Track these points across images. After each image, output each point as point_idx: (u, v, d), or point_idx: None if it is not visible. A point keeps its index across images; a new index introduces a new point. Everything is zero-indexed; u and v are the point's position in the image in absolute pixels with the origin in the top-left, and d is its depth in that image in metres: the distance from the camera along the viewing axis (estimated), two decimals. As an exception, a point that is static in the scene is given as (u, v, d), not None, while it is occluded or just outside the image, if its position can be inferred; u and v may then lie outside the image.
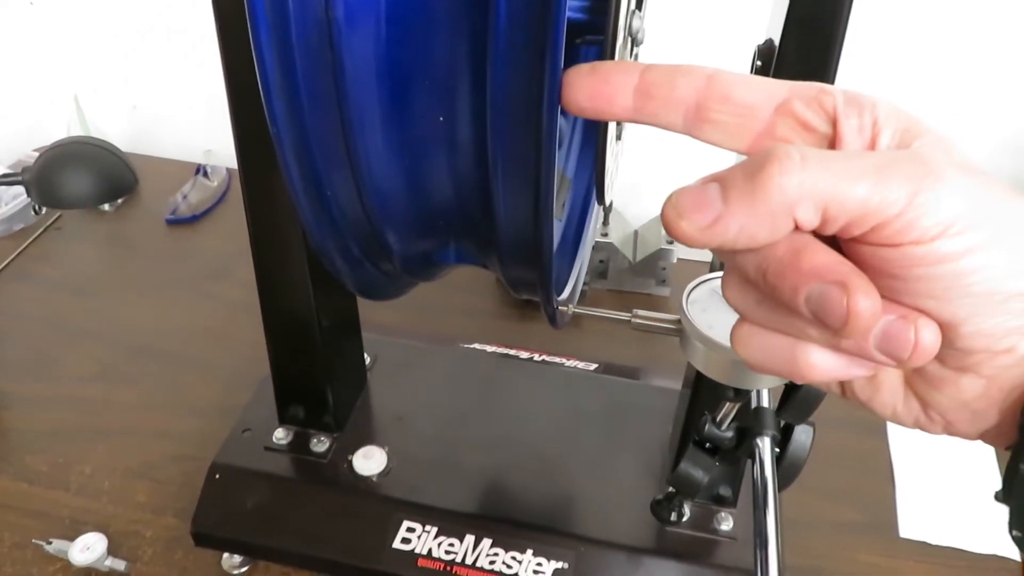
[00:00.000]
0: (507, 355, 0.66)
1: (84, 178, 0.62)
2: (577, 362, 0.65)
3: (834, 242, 0.21)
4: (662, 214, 0.22)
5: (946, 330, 0.21)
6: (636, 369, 0.65)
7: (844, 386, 0.25)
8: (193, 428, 0.66)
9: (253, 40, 0.26)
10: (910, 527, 0.60)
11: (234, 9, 0.40)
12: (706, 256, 0.63)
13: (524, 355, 0.66)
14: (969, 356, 0.22)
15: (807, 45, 0.37)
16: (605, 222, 0.77)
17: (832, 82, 0.38)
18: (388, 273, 0.36)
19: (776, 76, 0.39)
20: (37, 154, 0.89)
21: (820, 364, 0.22)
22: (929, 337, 0.21)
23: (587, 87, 0.24)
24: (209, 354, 0.73)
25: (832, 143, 0.22)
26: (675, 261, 0.77)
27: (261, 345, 0.56)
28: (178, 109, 0.98)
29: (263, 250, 0.53)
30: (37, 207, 0.81)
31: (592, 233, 0.52)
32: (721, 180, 0.21)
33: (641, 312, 0.37)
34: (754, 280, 0.22)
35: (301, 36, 0.25)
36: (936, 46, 0.76)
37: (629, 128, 0.44)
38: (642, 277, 0.78)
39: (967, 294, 0.20)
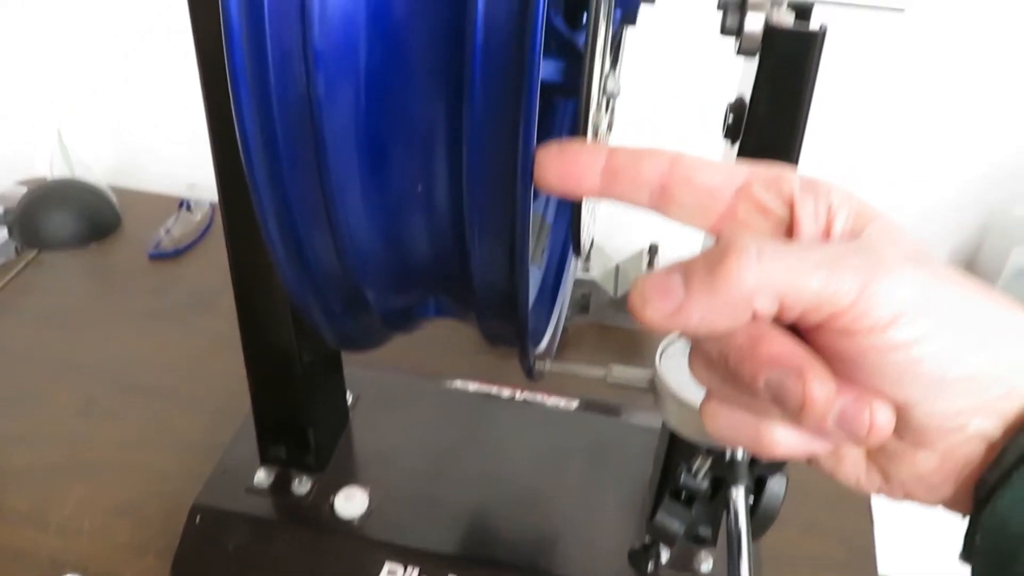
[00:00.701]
0: (489, 394, 0.66)
1: (67, 219, 0.62)
2: (559, 399, 0.66)
3: (794, 326, 0.22)
4: (628, 300, 0.23)
5: (900, 410, 0.22)
6: (617, 406, 0.66)
7: (809, 458, 0.25)
8: (176, 464, 0.66)
9: (236, 113, 0.26)
10: (889, 563, 0.60)
11: (218, 61, 0.41)
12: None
13: (506, 393, 0.66)
14: (923, 434, 0.23)
15: (777, 103, 0.38)
16: (586, 258, 0.78)
17: (801, 139, 0.39)
18: (367, 326, 0.37)
19: (747, 132, 0.40)
20: (20, 187, 0.89)
21: (783, 441, 0.23)
22: (884, 418, 0.22)
23: (556, 166, 0.25)
24: (193, 388, 0.73)
25: (789, 227, 0.23)
26: (656, 296, 0.78)
27: (245, 379, 0.57)
28: (162, 142, 0.98)
29: (244, 285, 0.53)
30: (20, 246, 0.81)
31: (572, 276, 0.52)
32: (684, 269, 0.22)
33: (616, 369, 0.37)
34: (717, 363, 0.23)
35: (283, 111, 0.26)
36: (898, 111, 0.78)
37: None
38: (624, 312, 0.79)
39: (918, 379, 0.21)
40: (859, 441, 0.22)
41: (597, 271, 0.78)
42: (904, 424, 0.22)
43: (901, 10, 0.36)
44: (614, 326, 0.80)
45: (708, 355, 0.23)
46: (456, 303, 0.35)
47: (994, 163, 0.81)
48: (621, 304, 0.78)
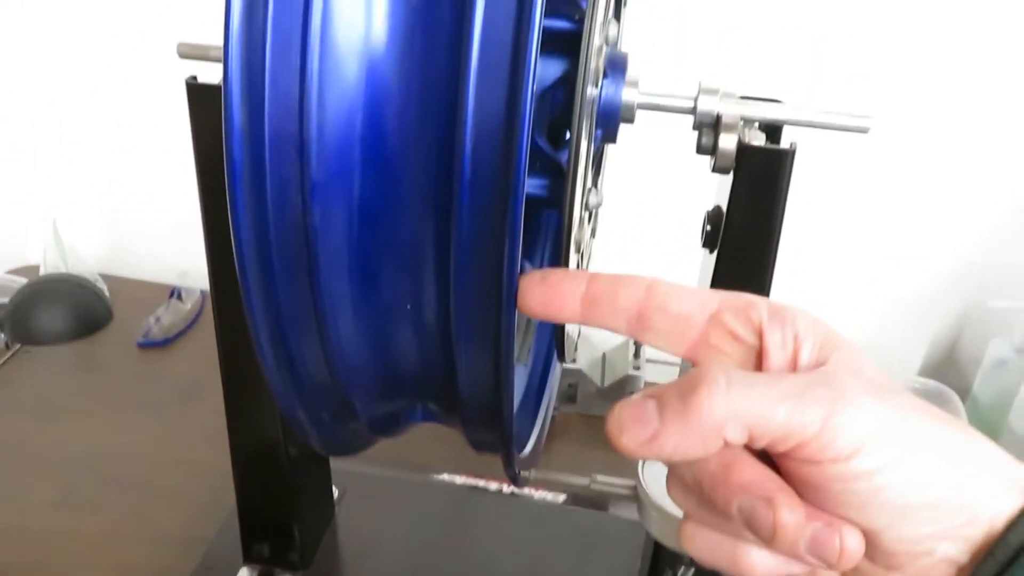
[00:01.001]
0: (476, 487, 0.66)
1: (58, 316, 0.63)
2: (546, 493, 0.66)
3: (765, 451, 0.23)
4: (605, 427, 0.24)
5: (869, 536, 0.23)
6: (604, 500, 0.65)
7: None
8: (156, 561, 0.64)
9: (234, 238, 0.28)
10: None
11: (216, 173, 0.43)
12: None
13: (493, 486, 0.66)
14: (893, 558, 0.23)
15: (752, 216, 0.40)
16: (573, 348, 0.78)
17: (776, 247, 0.41)
18: (354, 433, 0.37)
19: (724, 243, 0.42)
20: (12, 276, 0.90)
21: (760, 564, 0.24)
22: (853, 543, 0.22)
23: (538, 295, 0.26)
24: (176, 481, 0.72)
25: (759, 354, 0.25)
26: (643, 386, 0.78)
27: (229, 473, 0.56)
28: (154, 230, 0.99)
29: (233, 378, 0.53)
30: (9, 342, 0.81)
31: (558, 374, 0.53)
32: (658, 397, 0.23)
33: (600, 478, 0.38)
34: (692, 487, 0.24)
35: (279, 236, 0.27)
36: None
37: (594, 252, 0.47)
38: (610, 401, 0.79)
39: (883, 506, 0.22)
40: (831, 566, 0.23)
41: (584, 361, 0.79)
42: (874, 549, 0.23)
43: (866, 130, 0.39)
44: (601, 416, 0.80)
45: (683, 479, 0.24)
46: (443, 411, 0.36)
47: (967, 258, 0.83)
48: (608, 394, 0.79)
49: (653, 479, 0.35)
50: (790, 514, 0.22)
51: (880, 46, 0.75)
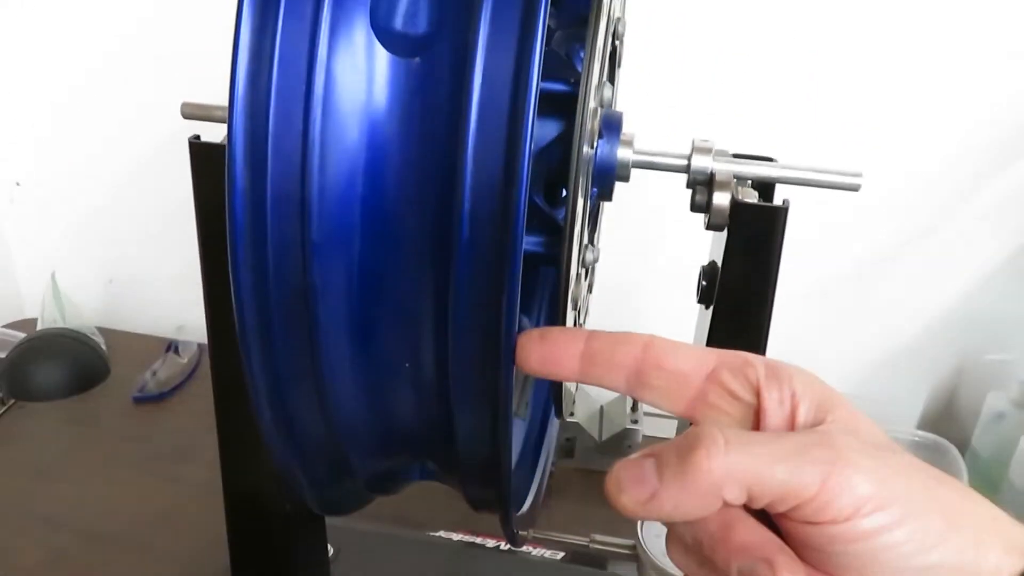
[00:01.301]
0: (473, 544, 0.65)
1: (55, 372, 0.62)
2: (544, 550, 0.65)
3: (764, 511, 0.23)
4: (605, 486, 0.23)
5: None
6: (603, 558, 0.64)
7: None
8: (146, 623, 0.63)
9: (235, 297, 0.28)
10: None
11: (217, 230, 0.43)
12: (670, 433, 0.65)
13: (491, 543, 0.65)
14: None
15: (747, 272, 0.40)
16: (571, 402, 0.78)
17: (772, 303, 0.41)
18: (351, 491, 0.37)
19: (720, 294, 0.42)
20: (9, 331, 0.90)
21: None
22: None
23: (537, 352, 0.26)
24: (169, 540, 0.71)
25: (756, 413, 0.25)
26: (641, 440, 0.78)
27: (223, 531, 0.56)
28: (153, 284, 1.00)
29: (229, 433, 0.53)
30: (5, 397, 0.81)
31: (556, 429, 0.53)
32: (657, 456, 0.23)
33: (598, 537, 0.38)
34: (692, 547, 0.23)
35: (279, 296, 0.28)
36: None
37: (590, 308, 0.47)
38: (609, 456, 0.79)
39: (883, 568, 0.22)
40: None
41: (581, 414, 0.79)
42: None
43: (857, 188, 0.39)
44: (600, 470, 0.80)
45: (683, 540, 0.24)
46: (441, 469, 0.36)
47: (962, 311, 0.84)
48: (606, 448, 0.79)
49: (652, 538, 0.35)
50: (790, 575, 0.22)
51: (872, 99, 0.76)
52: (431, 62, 0.27)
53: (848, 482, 0.22)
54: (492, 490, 0.34)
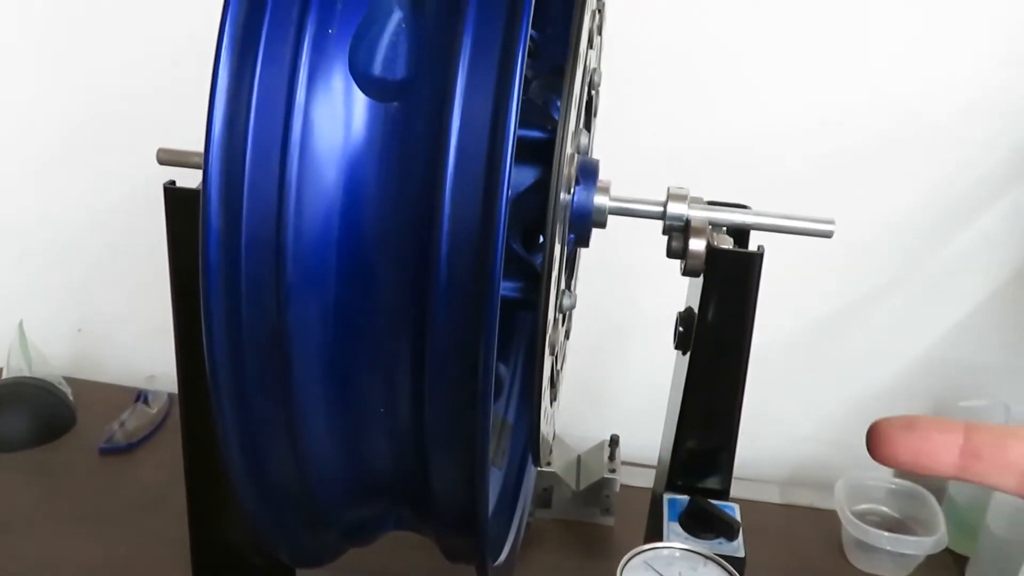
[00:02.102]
0: (449, 597, 0.63)
1: (20, 422, 0.61)
2: (521, 603, 0.63)
3: None
4: None
5: None
6: (582, 610, 0.63)
7: None
8: None
9: (206, 340, 0.27)
10: None
11: (190, 275, 0.43)
12: (648, 483, 0.64)
13: (466, 596, 0.64)
14: None
15: (723, 317, 0.41)
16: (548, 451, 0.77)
17: (748, 344, 0.41)
18: (324, 542, 0.36)
19: (697, 340, 0.42)
20: (-27, 380, 0.88)
21: None
22: None
23: (907, 444, 0.24)
24: (132, 597, 0.68)
25: None
26: (618, 490, 0.77)
27: (191, 588, 0.54)
28: (123, 333, 0.98)
29: (197, 483, 0.52)
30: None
31: (533, 477, 0.52)
32: None
33: (578, 587, 0.37)
34: None
35: (252, 339, 0.27)
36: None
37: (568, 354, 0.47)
38: (587, 506, 0.78)
39: None
40: None
41: (558, 464, 0.78)
42: None
43: (830, 235, 0.40)
44: (577, 520, 0.78)
45: None
46: (416, 518, 0.35)
47: (936, 358, 0.84)
48: (584, 498, 0.77)
49: (632, 587, 0.34)
50: None
51: (842, 149, 0.78)
52: (409, 107, 0.27)
53: None
54: (468, 539, 0.33)
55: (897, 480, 0.78)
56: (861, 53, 0.76)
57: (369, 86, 0.27)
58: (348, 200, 0.27)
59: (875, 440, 0.24)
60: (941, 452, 0.24)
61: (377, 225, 0.28)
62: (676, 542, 0.37)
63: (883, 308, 0.84)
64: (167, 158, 0.41)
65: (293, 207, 0.26)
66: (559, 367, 0.43)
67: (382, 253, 0.28)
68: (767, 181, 0.70)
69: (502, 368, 0.51)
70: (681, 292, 0.46)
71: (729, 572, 0.36)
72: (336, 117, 0.26)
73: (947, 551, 0.71)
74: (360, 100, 0.27)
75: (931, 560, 0.70)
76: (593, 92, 0.43)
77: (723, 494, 0.45)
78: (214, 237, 0.26)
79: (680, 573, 0.35)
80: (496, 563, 0.39)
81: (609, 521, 0.78)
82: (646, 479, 0.63)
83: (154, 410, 0.88)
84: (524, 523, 0.46)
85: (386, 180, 0.27)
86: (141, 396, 0.89)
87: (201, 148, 0.27)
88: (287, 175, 0.26)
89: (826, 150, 0.78)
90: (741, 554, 0.40)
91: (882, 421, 0.25)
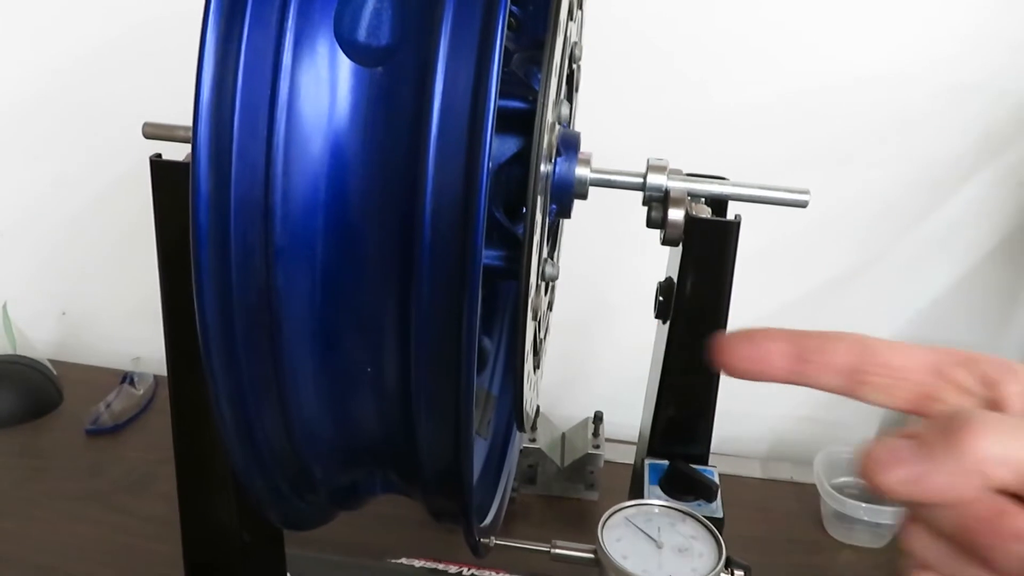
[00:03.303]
0: (435, 570, 0.64)
1: (6, 398, 0.61)
2: (507, 575, 0.64)
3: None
4: (862, 468, 0.23)
5: None
6: (566, 581, 0.64)
7: None
8: (97, 662, 0.61)
9: (197, 303, 0.28)
10: None
11: (177, 246, 0.43)
12: (632, 459, 0.65)
13: (453, 569, 0.65)
14: None
15: (702, 286, 0.42)
16: (532, 427, 0.78)
17: (727, 312, 0.43)
18: (314, 505, 0.37)
19: (676, 309, 0.43)
20: (-43, 363, 0.87)
21: None
22: None
23: (744, 352, 0.25)
24: (120, 575, 0.69)
25: (991, 406, 0.24)
26: (602, 465, 0.78)
27: (178, 565, 0.54)
28: (108, 316, 0.98)
29: (187, 461, 0.52)
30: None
31: (518, 447, 0.53)
32: (917, 437, 0.22)
33: (560, 543, 0.38)
34: (948, 533, 0.23)
35: (242, 301, 0.28)
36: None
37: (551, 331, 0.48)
38: (571, 482, 0.79)
39: None
40: None
41: (543, 441, 0.79)
42: None
43: (804, 204, 0.41)
44: (561, 496, 0.80)
45: (937, 525, 0.23)
46: (402, 480, 0.36)
47: (912, 339, 0.86)
48: (568, 474, 0.79)
49: (613, 543, 0.35)
50: None
51: (815, 130, 0.79)
52: (394, 72, 0.28)
53: None
54: (454, 500, 0.34)
55: (875, 454, 0.80)
56: (839, 34, 0.77)
57: (354, 51, 0.27)
58: (334, 163, 0.28)
59: (719, 351, 0.26)
60: (773, 358, 0.25)
61: (363, 189, 0.28)
62: (654, 499, 0.38)
63: (857, 288, 0.86)
64: (153, 132, 0.42)
65: (281, 169, 0.27)
66: (542, 336, 0.44)
67: (368, 217, 0.29)
68: (742, 161, 0.71)
69: (486, 341, 0.52)
70: (661, 263, 0.47)
71: (706, 526, 0.37)
72: (322, 81, 0.27)
73: (922, 521, 0.73)
74: (345, 65, 0.27)
75: (907, 530, 0.72)
76: (575, 66, 0.43)
77: (702, 459, 0.46)
78: (203, 199, 0.27)
79: (659, 529, 0.36)
80: (482, 524, 0.40)
81: (593, 496, 0.79)
82: (630, 455, 0.64)
83: (140, 392, 0.88)
84: (509, 491, 0.47)
85: (371, 144, 0.28)
86: (127, 378, 0.89)
87: (186, 122, 0.28)
88: (275, 138, 0.26)
89: (802, 131, 0.79)
90: (720, 515, 0.41)
91: (721, 334, 0.26)
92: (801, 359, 0.25)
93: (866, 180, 0.81)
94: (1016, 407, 0.24)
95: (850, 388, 0.25)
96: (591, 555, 0.36)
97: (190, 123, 0.28)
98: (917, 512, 0.24)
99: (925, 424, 0.23)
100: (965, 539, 0.23)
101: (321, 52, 0.27)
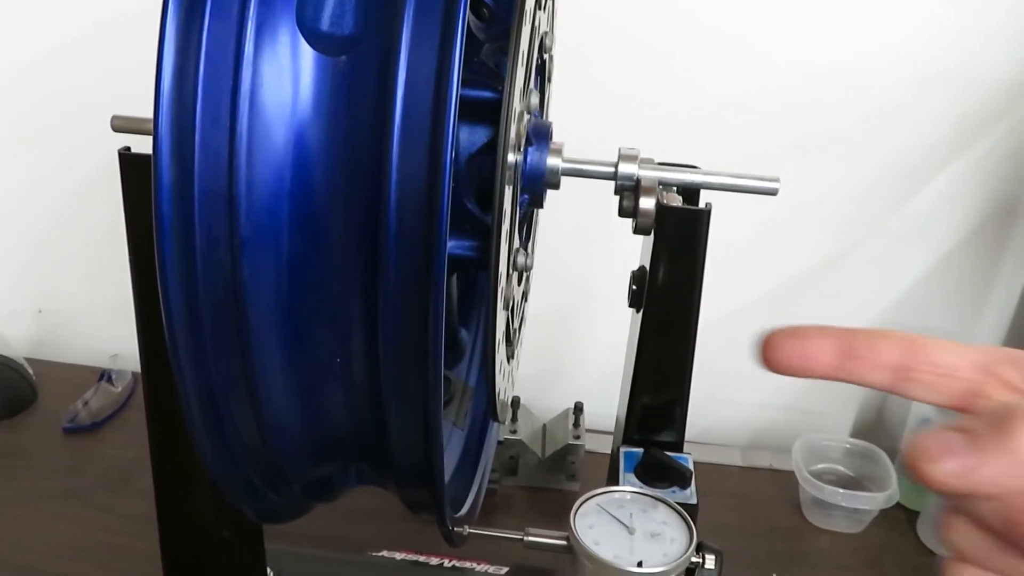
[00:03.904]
0: (416, 562, 0.64)
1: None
2: (488, 566, 0.64)
3: None
4: (908, 460, 0.23)
5: None
6: (549, 571, 0.65)
7: None
8: (76, 661, 0.61)
9: (162, 296, 0.28)
10: None
11: (148, 235, 0.43)
12: (610, 449, 0.66)
13: (434, 561, 0.65)
14: None
15: (674, 273, 0.42)
16: (513, 419, 0.79)
17: (699, 300, 0.43)
18: (288, 498, 0.37)
19: (649, 297, 0.43)
20: (-69, 362, 0.86)
21: None
22: None
23: (790, 348, 0.25)
24: (100, 573, 0.68)
25: None
26: (583, 455, 0.79)
27: (157, 562, 0.54)
28: (85, 314, 0.97)
29: (163, 459, 0.52)
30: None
31: (495, 437, 0.53)
32: (964, 431, 0.23)
33: (533, 531, 0.38)
34: (990, 525, 0.24)
35: (207, 293, 0.28)
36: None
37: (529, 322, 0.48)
38: (552, 472, 0.79)
39: None
40: None
41: (524, 432, 0.79)
42: None
43: (775, 192, 0.41)
44: (543, 487, 0.80)
45: (979, 516, 0.24)
46: (376, 472, 0.36)
47: (889, 325, 0.87)
48: (549, 465, 0.79)
49: (585, 529, 0.36)
50: None
51: (789, 118, 0.80)
52: (357, 61, 0.27)
53: None
54: (426, 490, 0.34)
55: (852, 441, 0.81)
56: (812, 24, 0.77)
57: (317, 40, 0.27)
58: (298, 152, 0.27)
59: (765, 348, 0.26)
60: (821, 354, 0.26)
61: (327, 178, 0.28)
62: (626, 486, 0.39)
63: (834, 276, 0.86)
64: (122, 125, 0.41)
65: (245, 158, 0.27)
66: (516, 326, 0.44)
67: (333, 206, 0.29)
68: (715, 151, 0.71)
69: (463, 333, 0.52)
70: (634, 253, 0.47)
71: (676, 511, 0.37)
72: (284, 70, 0.27)
73: (899, 506, 0.74)
74: (307, 53, 0.27)
75: (884, 515, 0.73)
76: (545, 56, 0.43)
77: (677, 446, 0.47)
78: (166, 190, 0.27)
79: (632, 515, 0.36)
80: (458, 514, 0.40)
81: (574, 487, 0.79)
82: (610, 445, 0.65)
83: (118, 389, 0.88)
84: (486, 482, 0.47)
85: (335, 133, 0.28)
86: (104, 375, 0.89)
87: (156, 115, 0.27)
88: (238, 127, 0.26)
89: (777, 119, 0.80)
90: (694, 501, 0.41)
91: (771, 331, 0.26)
92: (849, 356, 0.25)
93: (840, 170, 0.82)
94: None
95: (897, 385, 0.26)
96: (564, 542, 0.36)
97: (156, 115, 0.27)
98: (959, 504, 0.24)
99: (970, 418, 0.23)
100: (1008, 531, 0.23)
101: (283, 41, 0.27)
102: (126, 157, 0.41)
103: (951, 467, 0.23)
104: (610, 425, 0.64)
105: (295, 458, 0.34)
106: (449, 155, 0.27)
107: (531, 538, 0.38)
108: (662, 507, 0.37)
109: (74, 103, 0.86)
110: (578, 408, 0.80)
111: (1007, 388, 0.25)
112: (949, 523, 0.25)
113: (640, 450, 0.45)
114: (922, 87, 0.78)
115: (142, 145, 0.44)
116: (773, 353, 0.26)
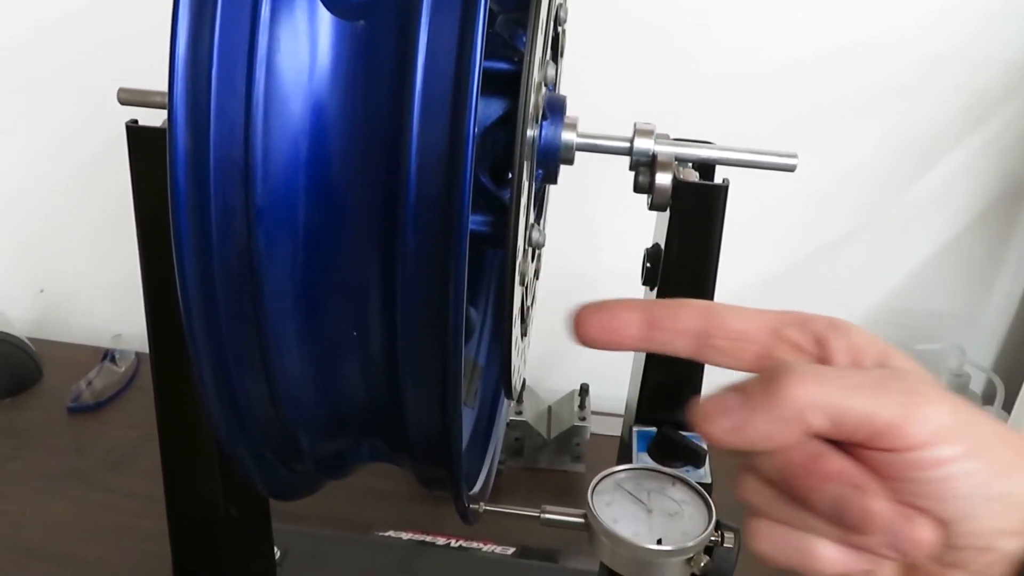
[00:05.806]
0: (423, 542, 0.64)
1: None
2: (494, 546, 0.64)
3: (842, 445, 0.24)
4: (689, 418, 0.24)
5: (940, 529, 0.24)
6: (554, 552, 0.65)
7: None
8: (83, 639, 0.61)
9: (177, 269, 0.27)
10: None
11: (156, 214, 0.42)
12: (618, 431, 0.65)
13: (441, 541, 0.65)
14: (958, 553, 0.24)
15: (689, 251, 0.41)
16: (519, 399, 0.78)
17: (714, 282, 0.42)
18: (300, 474, 0.36)
19: (663, 274, 0.43)
20: (-67, 341, 0.86)
21: (829, 557, 0.24)
22: (927, 534, 0.23)
23: (597, 322, 0.26)
24: (105, 553, 0.68)
25: (823, 363, 0.26)
26: (588, 437, 0.78)
27: (163, 540, 0.54)
28: (87, 293, 0.97)
29: (171, 436, 0.52)
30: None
31: (505, 416, 0.53)
32: (741, 390, 0.24)
33: (549, 508, 0.38)
34: (772, 479, 0.25)
35: (223, 265, 0.27)
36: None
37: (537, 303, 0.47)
38: (557, 454, 0.79)
39: (955, 496, 0.23)
40: (904, 556, 0.24)
41: (530, 413, 0.79)
42: (942, 543, 0.24)
43: (792, 168, 0.41)
44: (548, 468, 0.80)
45: (763, 472, 0.25)
46: (390, 448, 0.36)
47: (894, 306, 0.87)
48: (554, 446, 0.79)
49: (603, 507, 0.35)
50: (879, 501, 0.23)
51: (803, 98, 0.79)
52: (375, 25, 0.27)
53: (927, 412, 0.23)
54: (442, 467, 0.34)
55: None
56: (825, 2, 0.76)
57: (334, 3, 0.27)
58: (315, 121, 0.27)
59: (575, 324, 0.27)
60: (627, 326, 0.27)
61: (345, 147, 0.27)
62: (644, 464, 0.38)
63: (844, 257, 0.86)
64: (128, 98, 0.41)
65: (261, 126, 0.26)
66: (529, 303, 0.43)
67: (350, 177, 0.28)
68: (728, 131, 0.71)
69: (472, 311, 0.52)
70: (648, 229, 0.46)
71: (696, 490, 0.37)
72: (301, 35, 0.26)
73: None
74: (325, 18, 0.27)
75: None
76: (560, 28, 0.43)
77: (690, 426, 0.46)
78: (182, 159, 0.26)
79: (649, 493, 0.36)
80: (471, 491, 0.40)
81: (580, 468, 0.79)
82: (616, 427, 0.64)
83: (122, 369, 0.87)
84: (497, 459, 0.47)
85: (353, 102, 0.27)
86: (108, 355, 0.88)
87: (161, 87, 0.27)
88: (254, 93, 0.26)
89: (788, 99, 0.79)
90: (708, 480, 0.41)
91: (579, 307, 0.27)
92: (653, 326, 0.26)
93: (852, 150, 0.81)
94: (841, 361, 0.26)
95: (700, 352, 0.27)
96: (581, 519, 0.36)
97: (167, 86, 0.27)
98: (748, 462, 0.26)
99: (750, 379, 0.25)
100: (787, 483, 0.24)
101: (300, 4, 0.26)
102: (134, 130, 0.40)
103: (726, 424, 0.24)
104: (616, 407, 0.64)
105: (309, 432, 0.33)
106: (472, 126, 0.26)
107: (548, 515, 0.38)
108: (680, 485, 0.37)
109: (74, 76, 0.85)
110: (584, 390, 0.80)
111: (793, 348, 0.26)
112: (743, 480, 0.26)
113: (653, 429, 0.45)
114: (933, 66, 0.78)
115: (149, 118, 0.43)
116: (583, 329, 0.27)
